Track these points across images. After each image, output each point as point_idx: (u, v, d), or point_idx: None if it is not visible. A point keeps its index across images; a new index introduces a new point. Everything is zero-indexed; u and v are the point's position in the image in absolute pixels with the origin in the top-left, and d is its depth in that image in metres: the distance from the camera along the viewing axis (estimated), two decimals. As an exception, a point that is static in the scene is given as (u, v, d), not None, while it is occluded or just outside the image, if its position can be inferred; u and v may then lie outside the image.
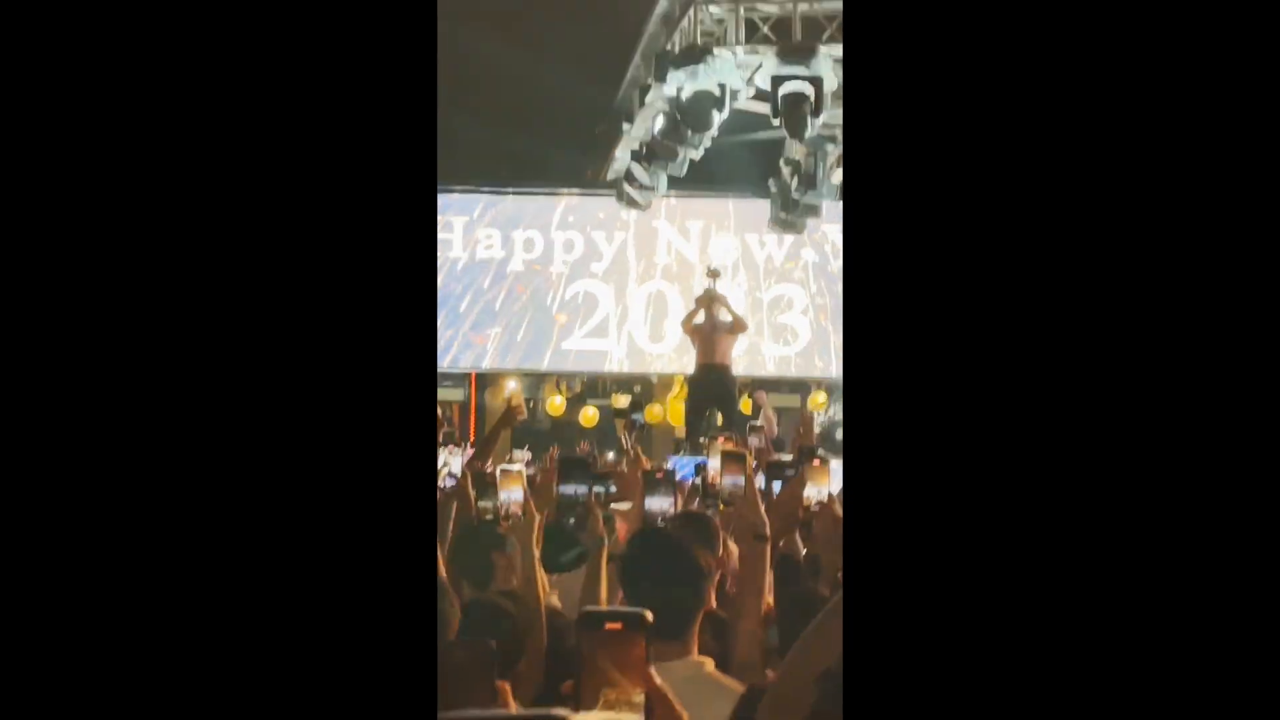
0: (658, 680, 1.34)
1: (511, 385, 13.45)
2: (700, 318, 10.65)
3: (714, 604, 2.84)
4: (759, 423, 8.13)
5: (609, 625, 1.35)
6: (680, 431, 12.18)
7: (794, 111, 7.97)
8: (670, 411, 13.25)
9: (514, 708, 1.35)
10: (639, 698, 1.33)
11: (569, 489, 3.41)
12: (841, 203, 11.35)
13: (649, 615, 1.35)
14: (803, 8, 8.28)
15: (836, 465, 4.02)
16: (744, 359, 11.94)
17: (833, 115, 9.24)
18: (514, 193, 13.23)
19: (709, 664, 2.52)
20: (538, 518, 3.31)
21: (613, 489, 3.80)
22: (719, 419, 10.60)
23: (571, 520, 3.39)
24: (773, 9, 8.48)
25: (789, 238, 12.58)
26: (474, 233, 13.12)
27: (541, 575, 3.13)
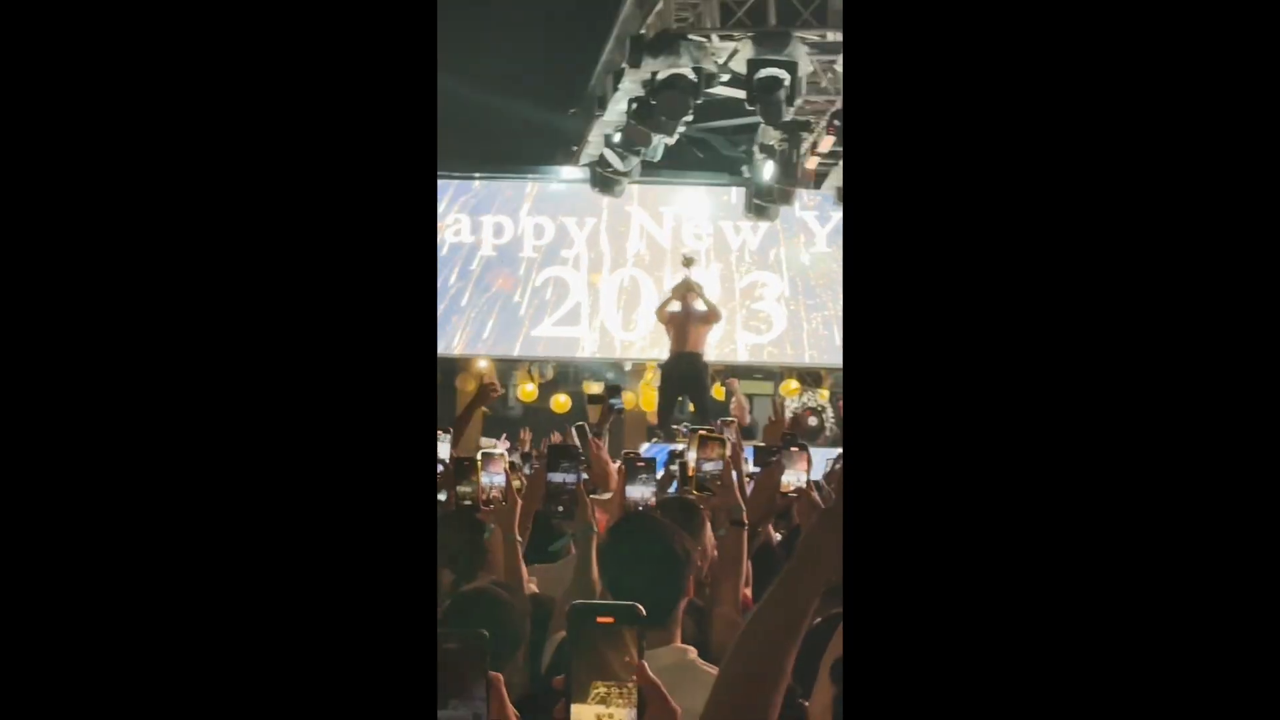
0: (650, 673, 1.32)
1: (482, 364, 13.40)
2: (675, 306, 10.60)
3: (692, 591, 2.82)
4: (730, 417, 8.12)
5: (600, 619, 1.33)
6: (653, 418, 12.18)
7: (769, 97, 7.96)
8: (643, 398, 13.24)
9: (507, 701, 1.32)
10: (631, 691, 1.31)
11: (558, 477, 3.37)
12: (815, 189, 11.39)
13: (641, 609, 1.33)
14: (778, -7, 8.27)
15: (814, 452, 4.02)
16: (717, 346, 11.95)
17: (807, 101, 9.25)
18: (482, 177, 13.15)
19: (692, 652, 2.50)
20: (519, 504, 3.28)
21: (584, 478, 3.77)
22: (690, 406, 10.60)
23: (560, 508, 3.35)
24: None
25: (763, 224, 12.58)
26: (443, 219, 13.04)
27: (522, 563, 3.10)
